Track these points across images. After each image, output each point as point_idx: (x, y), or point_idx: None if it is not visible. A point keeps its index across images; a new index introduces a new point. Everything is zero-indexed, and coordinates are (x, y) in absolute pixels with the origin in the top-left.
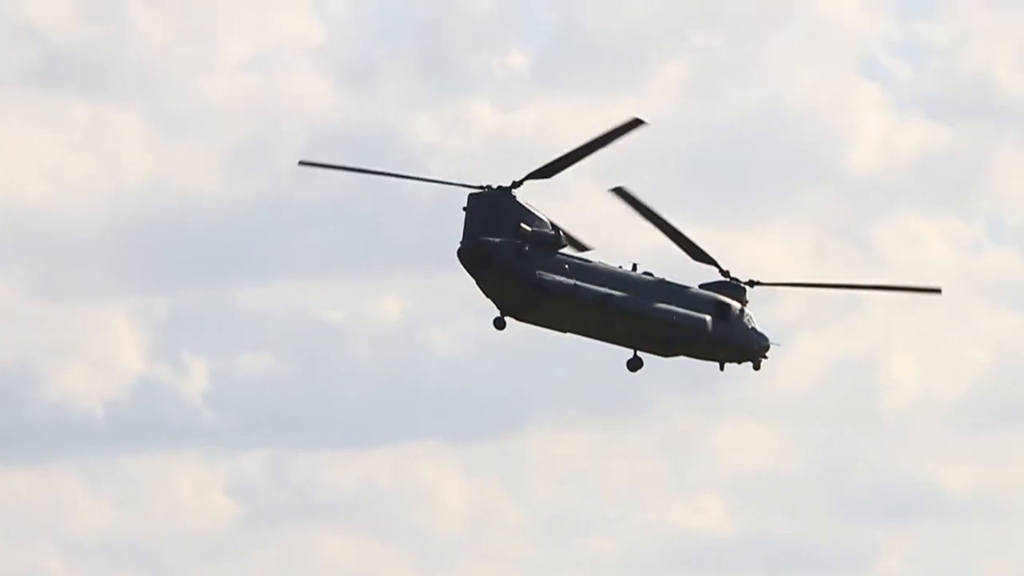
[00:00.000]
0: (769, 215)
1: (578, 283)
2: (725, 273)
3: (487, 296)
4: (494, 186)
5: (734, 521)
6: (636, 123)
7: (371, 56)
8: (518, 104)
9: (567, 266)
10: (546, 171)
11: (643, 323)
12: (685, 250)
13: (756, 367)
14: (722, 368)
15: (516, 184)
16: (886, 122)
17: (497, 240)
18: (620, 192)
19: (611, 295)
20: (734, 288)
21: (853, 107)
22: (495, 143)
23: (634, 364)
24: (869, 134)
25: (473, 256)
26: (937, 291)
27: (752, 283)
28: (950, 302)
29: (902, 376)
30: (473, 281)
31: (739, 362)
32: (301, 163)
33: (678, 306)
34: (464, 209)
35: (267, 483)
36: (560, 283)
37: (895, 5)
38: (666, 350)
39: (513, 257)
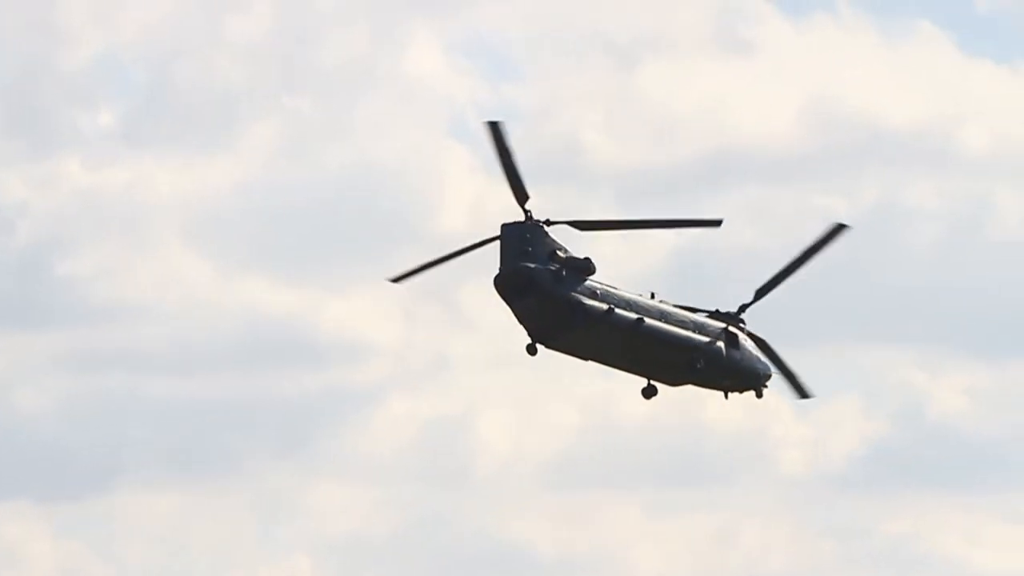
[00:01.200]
0: (360, 277)
1: (612, 307)
2: (742, 308)
3: (522, 322)
4: (524, 220)
5: None
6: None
7: None
8: (107, 162)
9: (598, 291)
10: (582, 226)
11: (669, 348)
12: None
13: (759, 395)
14: (727, 397)
15: (550, 223)
16: (476, 185)
17: (535, 265)
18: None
19: (642, 319)
20: (730, 320)
21: (443, 170)
22: (84, 201)
23: (649, 392)
24: (459, 197)
25: (514, 280)
26: (718, 223)
27: (742, 308)
28: (540, 364)
29: (491, 436)
30: (509, 307)
31: (743, 391)
32: (393, 280)
33: (695, 333)
34: (498, 239)
35: None
36: (597, 307)
37: (484, 68)
38: (685, 376)
39: (553, 281)
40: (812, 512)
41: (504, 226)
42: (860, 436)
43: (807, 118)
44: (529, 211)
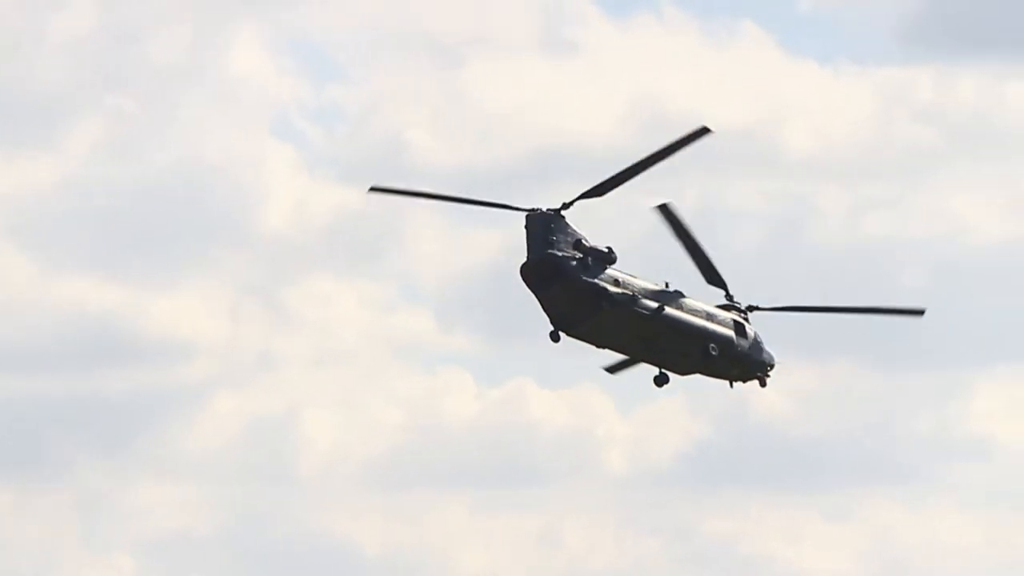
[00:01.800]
0: (185, 275)
1: (635, 295)
2: (729, 297)
3: (547, 309)
4: (543, 208)
5: None
6: (703, 131)
7: None
8: None
9: (620, 280)
10: (598, 190)
11: (687, 337)
12: (704, 272)
13: (763, 384)
14: (732, 386)
15: (566, 205)
16: (299, 183)
17: (563, 253)
18: (664, 209)
19: (662, 307)
20: (736, 311)
21: (267, 168)
22: None
23: (661, 380)
24: (282, 195)
25: (543, 268)
26: (920, 312)
27: (751, 308)
28: (364, 362)
29: (316, 435)
30: (535, 296)
31: (748, 380)
32: (372, 189)
33: (709, 322)
34: (524, 228)
35: None
36: (621, 294)
37: (308, 68)
38: (698, 365)
39: (580, 269)
40: (637, 511)
41: (528, 216)
42: (684, 435)
43: (632, 118)
44: (563, 205)
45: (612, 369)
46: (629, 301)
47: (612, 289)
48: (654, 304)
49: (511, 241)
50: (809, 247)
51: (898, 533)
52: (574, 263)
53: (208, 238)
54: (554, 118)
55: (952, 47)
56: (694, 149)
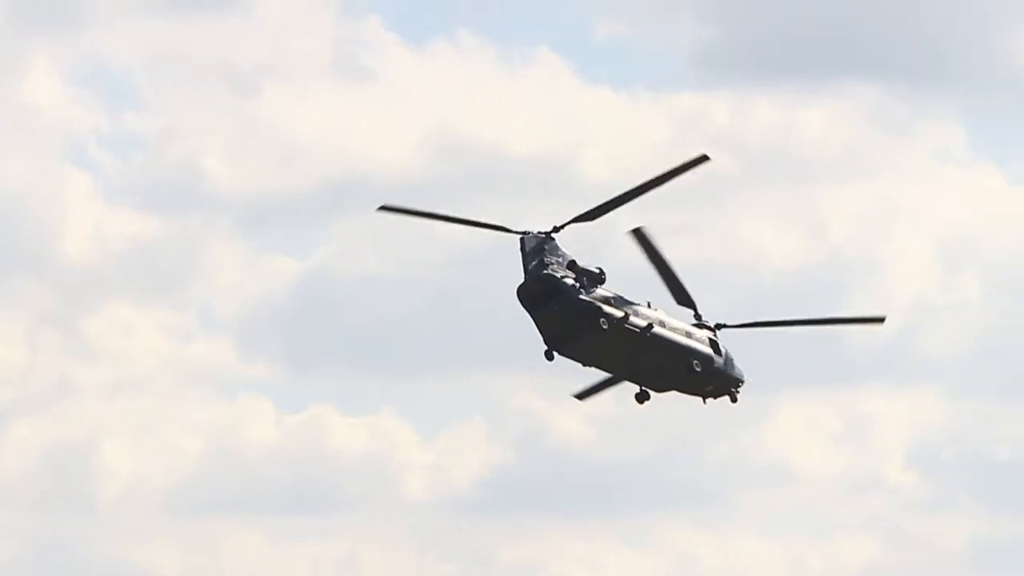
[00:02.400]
0: None
1: (627, 314)
2: (698, 316)
3: (542, 328)
4: (534, 231)
5: None
6: (703, 159)
7: None
8: None
9: (611, 299)
10: (591, 215)
11: (671, 354)
12: (674, 294)
13: (734, 400)
14: (705, 401)
15: (557, 228)
16: (95, 211)
17: (560, 274)
18: (638, 234)
19: (651, 325)
20: (706, 328)
21: (63, 197)
22: None
23: (643, 397)
24: (78, 223)
25: (541, 287)
26: (881, 320)
27: (719, 325)
28: (162, 390)
29: (114, 462)
30: (531, 315)
31: (720, 396)
32: (381, 208)
33: (689, 340)
34: (520, 250)
35: None
36: (614, 314)
37: (104, 96)
38: (679, 381)
39: (576, 289)
40: (436, 538)
41: (523, 238)
42: (483, 462)
43: (429, 145)
44: (553, 228)
45: (582, 395)
46: (622, 320)
47: (606, 309)
48: (643, 323)
49: (310, 268)
50: (608, 271)
51: (698, 558)
52: (571, 283)
53: (3, 267)
54: (350, 145)
55: (746, 73)
56: (492, 176)
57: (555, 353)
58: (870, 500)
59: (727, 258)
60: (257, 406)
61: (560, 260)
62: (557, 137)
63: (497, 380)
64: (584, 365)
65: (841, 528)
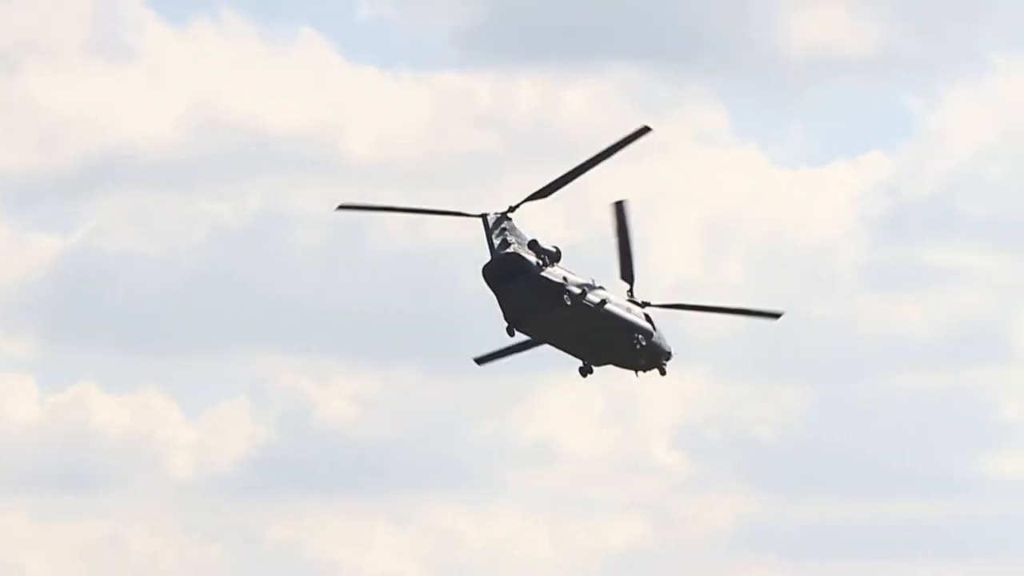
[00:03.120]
0: None
1: (584, 291)
2: (631, 293)
3: (506, 305)
4: (492, 212)
5: None
6: (644, 130)
7: None
8: None
9: (567, 277)
10: (544, 192)
11: (619, 330)
12: (622, 269)
13: (663, 373)
14: (637, 375)
15: (512, 208)
16: None
17: (523, 254)
18: (619, 206)
19: (604, 302)
20: (636, 304)
21: None
22: None
23: (586, 371)
24: None
25: (508, 266)
26: (777, 316)
27: (645, 303)
28: None
29: None
30: (495, 293)
31: (650, 369)
32: (340, 207)
33: (631, 315)
34: (484, 230)
35: None
36: (573, 291)
37: None
38: (621, 356)
39: (539, 267)
40: (201, 516)
41: (485, 219)
42: (249, 441)
43: (192, 124)
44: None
45: (482, 360)
46: (580, 296)
47: (568, 286)
48: (597, 299)
49: (72, 246)
50: (371, 251)
51: (463, 536)
52: (535, 261)
53: None
54: (112, 123)
55: (510, 53)
56: (256, 156)
57: (515, 330)
58: (635, 480)
59: None
60: (19, 384)
61: (520, 239)
62: (321, 116)
63: (262, 359)
64: (538, 340)
65: (606, 508)
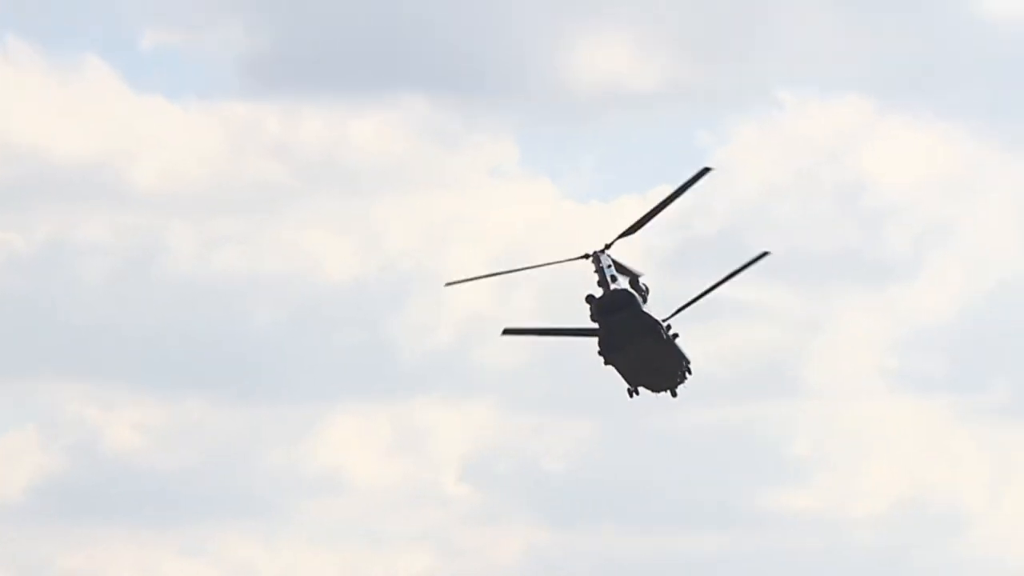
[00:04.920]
0: None
1: (669, 325)
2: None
3: (607, 333)
4: (590, 251)
5: None
6: (706, 171)
7: None
8: None
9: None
10: (633, 229)
11: (678, 358)
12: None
13: (674, 395)
14: (673, 396)
15: (608, 245)
16: None
17: (632, 291)
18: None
19: (676, 335)
20: None
21: None
22: None
23: (632, 392)
24: None
25: (624, 298)
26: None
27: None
28: None
29: None
30: (599, 321)
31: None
32: (448, 284)
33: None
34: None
35: None
36: (662, 325)
37: None
38: (673, 383)
39: (642, 303)
40: None
41: (595, 253)
42: (37, 469)
43: None
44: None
45: (509, 331)
46: (668, 333)
47: (662, 322)
48: (672, 333)
49: None
50: (160, 282)
51: (252, 567)
52: (639, 298)
53: None
54: None
55: (298, 83)
56: (42, 184)
57: (606, 356)
58: (424, 511)
59: (283, 268)
60: None
61: (624, 273)
62: (108, 145)
63: (47, 388)
64: (617, 367)
65: (395, 539)
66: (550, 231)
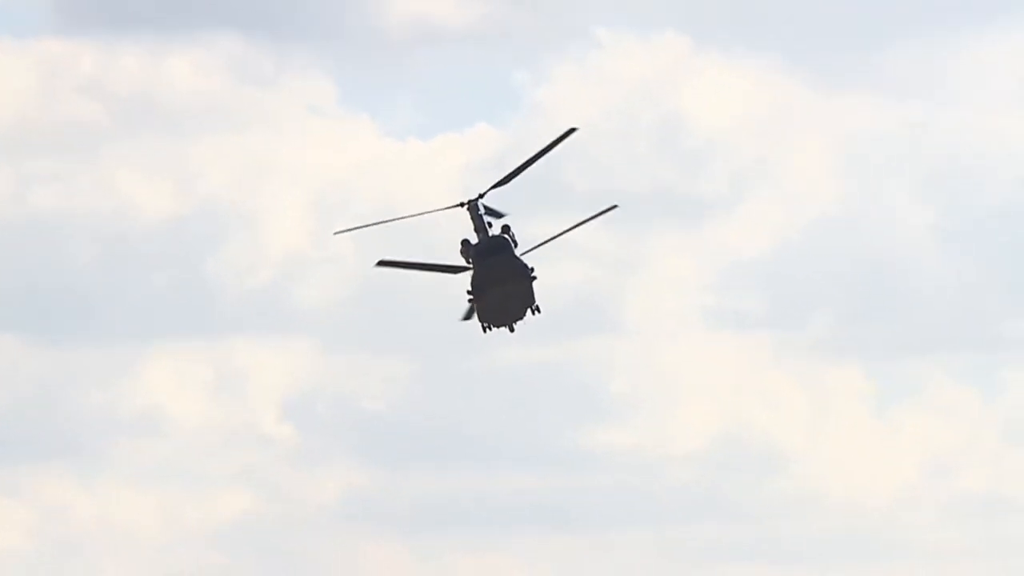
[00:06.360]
0: None
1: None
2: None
3: (479, 275)
4: (464, 200)
5: None
6: (572, 131)
7: None
8: None
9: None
10: (505, 180)
11: (531, 300)
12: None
13: (511, 330)
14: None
15: (481, 195)
16: None
17: (507, 236)
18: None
19: (535, 277)
20: None
21: None
22: None
23: (487, 328)
24: None
25: (500, 243)
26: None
27: None
28: None
29: None
30: (473, 265)
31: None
32: (337, 232)
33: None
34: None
35: None
36: (530, 269)
37: None
38: (518, 317)
39: (513, 246)
40: None
41: (470, 204)
42: None
43: None
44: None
45: (383, 264)
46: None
47: (530, 265)
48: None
49: None
50: None
51: (71, 509)
52: (511, 243)
53: None
54: None
55: (113, 21)
56: None
57: (474, 294)
58: (244, 451)
59: (99, 206)
60: None
61: (496, 219)
62: None
63: None
64: (480, 304)
65: (215, 479)
66: (369, 169)
